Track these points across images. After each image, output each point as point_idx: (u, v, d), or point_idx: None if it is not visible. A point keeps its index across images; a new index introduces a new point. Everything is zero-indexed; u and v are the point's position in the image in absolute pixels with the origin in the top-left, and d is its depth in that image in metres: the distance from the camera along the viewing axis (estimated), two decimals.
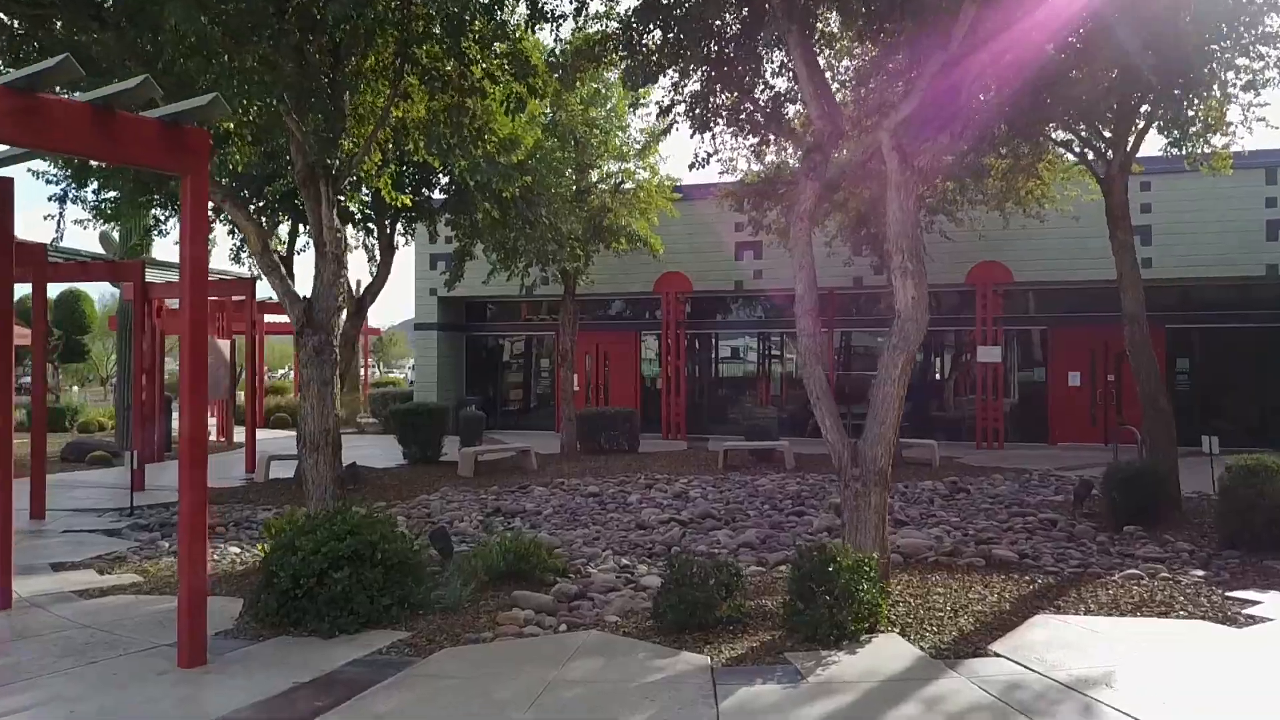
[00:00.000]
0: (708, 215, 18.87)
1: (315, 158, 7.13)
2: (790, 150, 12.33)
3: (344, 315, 7.52)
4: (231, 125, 7.30)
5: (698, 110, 7.27)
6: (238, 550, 8.70)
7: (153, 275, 15.12)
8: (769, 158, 13.78)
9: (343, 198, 8.44)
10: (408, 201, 7.88)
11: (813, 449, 16.99)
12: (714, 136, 8.10)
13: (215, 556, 8.53)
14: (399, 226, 13.15)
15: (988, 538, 8.87)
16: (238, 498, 12.18)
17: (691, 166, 7.69)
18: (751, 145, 8.08)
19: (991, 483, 12.83)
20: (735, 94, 7.28)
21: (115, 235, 16.18)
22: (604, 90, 15.50)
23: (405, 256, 74.65)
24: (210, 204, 7.07)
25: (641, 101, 10.04)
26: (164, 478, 13.98)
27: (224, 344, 17.35)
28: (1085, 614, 6.28)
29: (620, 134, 15.52)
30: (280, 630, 6.08)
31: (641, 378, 20.88)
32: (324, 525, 6.36)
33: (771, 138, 8.13)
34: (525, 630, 6.07)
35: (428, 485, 13.27)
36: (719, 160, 9.65)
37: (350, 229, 14.22)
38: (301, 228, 12.84)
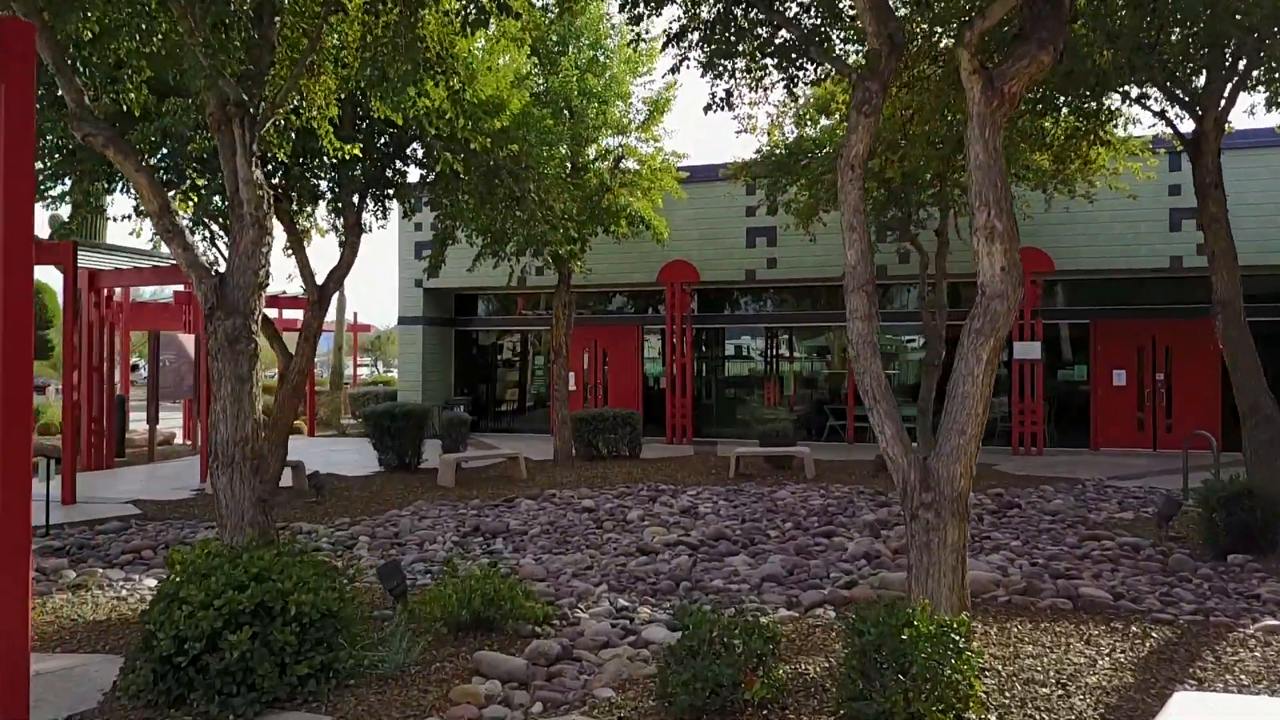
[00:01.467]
0: (717, 199, 17.31)
1: (232, 95, 5.58)
2: (810, 107, 10.81)
3: (272, 296, 5.86)
4: (123, 54, 5.76)
5: (717, 33, 5.70)
6: (154, 585, 7.14)
7: (97, 260, 13.57)
8: (787, 126, 12.23)
9: (271, 154, 6.85)
10: (356, 152, 6.37)
11: (833, 455, 15.44)
12: (733, 74, 6.52)
13: (123, 593, 6.98)
14: (368, 204, 11.57)
15: (1064, 569, 7.29)
16: (180, 512, 10.63)
17: (707, 109, 6.14)
18: (781, 79, 6.47)
19: (1043, 495, 11.24)
20: (764, 11, 5.70)
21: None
22: (603, 59, 13.95)
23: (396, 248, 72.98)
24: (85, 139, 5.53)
25: (642, 40, 8.43)
26: (110, 487, 12.44)
27: (188, 339, 15.81)
28: (1237, 689, 4.71)
29: (620, 104, 13.94)
30: (157, 712, 4.52)
31: (644, 377, 19.31)
32: (221, 568, 4.80)
33: (805, 74, 6.53)
34: (485, 714, 4.50)
35: (402, 497, 11.72)
36: (738, 117, 8.08)
37: (322, 209, 12.68)
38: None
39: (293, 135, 6.41)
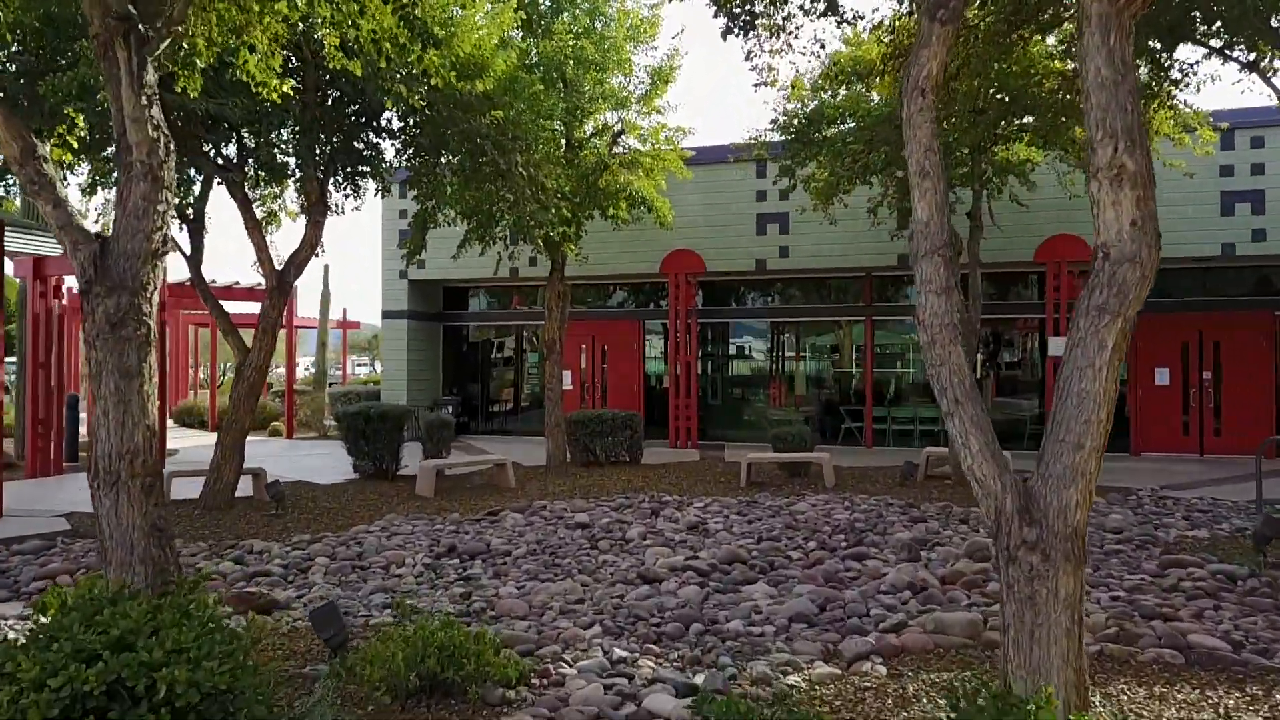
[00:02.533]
0: (725, 182, 16.03)
1: (115, 4, 4.33)
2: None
3: (161, 269, 4.65)
4: None
5: None
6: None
7: (45, 245, 12.28)
8: (804, 94, 10.93)
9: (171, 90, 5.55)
10: (288, 90, 5.11)
11: (853, 460, 14.14)
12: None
13: (11, 636, 5.69)
14: (336, 179, 10.30)
15: (1156, 607, 5.99)
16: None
17: (725, 34, 4.88)
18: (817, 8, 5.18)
19: (1096, 509, 9.95)
20: None
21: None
22: (599, 27, 12.66)
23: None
24: None
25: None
26: (51, 497, 11.16)
27: None
28: None
29: (620, 76, 12.64)
30: None
31: (645, 375, 18.02)
32: (71, 629, 3.52)
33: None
34: None
35: (374, 509, 10.45)
36: (757, 68, 6.78)
37: (289, 191, 11.44)
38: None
39: (200, 65, 5.13)
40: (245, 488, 10.80)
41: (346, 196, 11.00)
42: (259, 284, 19.29)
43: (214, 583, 6.88)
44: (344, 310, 32.28)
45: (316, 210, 9.86)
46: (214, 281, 18.68)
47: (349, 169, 10.21)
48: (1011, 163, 12.40)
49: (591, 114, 12.54)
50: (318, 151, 9.28)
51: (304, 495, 11.32)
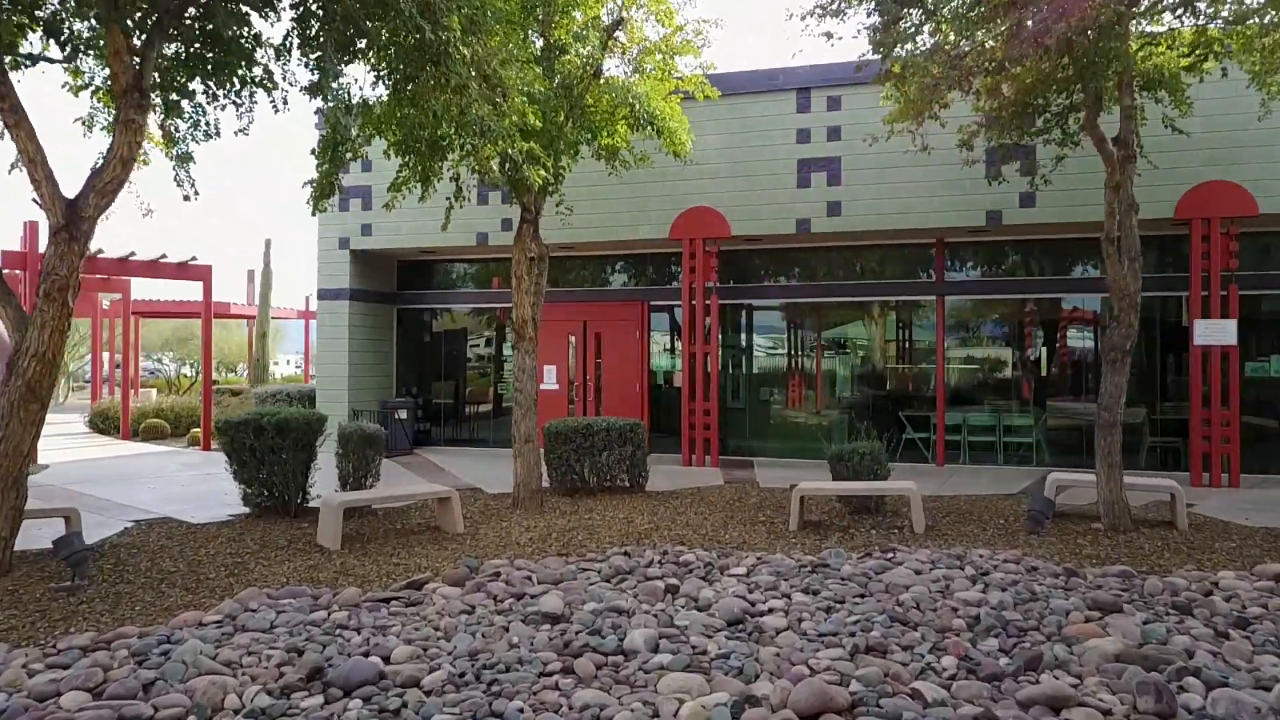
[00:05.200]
0: (756, 119, 12.33)
1: None
2: None
3: None
4: None
5: None
6: None
7: None
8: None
9: None
10: None
11: (927, 485, 10.43)
12: None
13: None
14: (168, 49, 6.61)
15: None
16: None
17: None
18: None
19: None
20: None
21: None
22: None
23: None
24: None
25: None
26: None
27: None
28: None
29: None
30: None
31: (650, 373, 14.32)
32: None
33: None
34: None
35: (238, 572, 6.80)
36: None
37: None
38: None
39: None
40: (30, 537, 7.13)
41: (205, 94, 7.35)
42: (193, 259, 15.64)
43: None
44: (306, 299, 28.58)
45: (130, 102, 6.16)
46: (133, 254, 15.02)
47: (196, 41, 6.51)
48: (1163, 72, 8.75)
49: (578, 2, 8.82)
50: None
51: (148, 545, 7.66)
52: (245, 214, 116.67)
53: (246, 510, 9.05)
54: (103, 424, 18.36)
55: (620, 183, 11.81)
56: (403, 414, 14.25)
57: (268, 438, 8.71)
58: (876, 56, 7.97)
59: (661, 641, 5.02)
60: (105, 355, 24.32)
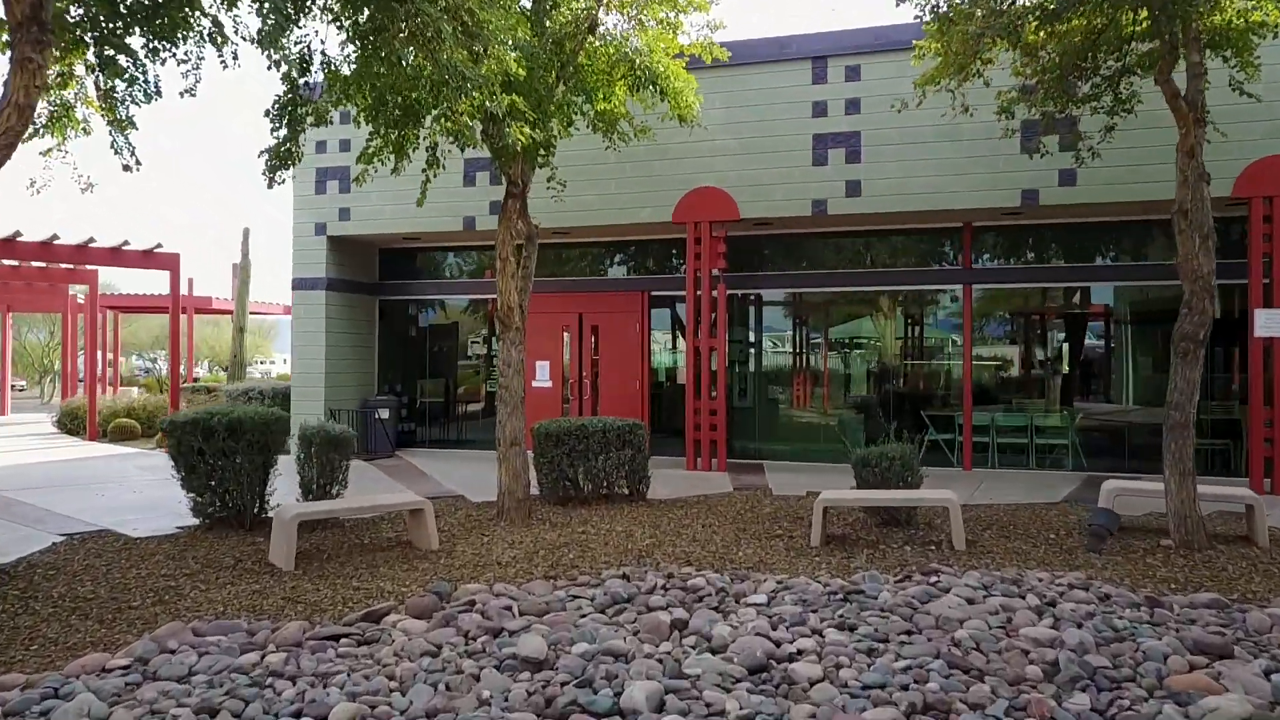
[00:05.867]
0: (766, 90, 11.29)
1: None
2: None
3: None
4: None
5: None
6: None
7: None
8: None
9: None
10: None
11: (957, 490, 9.42)
12: None
13: None
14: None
15: None
16: None
17: None
18: None
19: None
20: None
21: None
22: None
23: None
24: None
25: None
26: None
27: None
28: None
29: None
30: None
31: (651, 369, 13.29)
32: None
33: None
34: None
35: (167, 598, 5.78)
36: None
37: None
38: None
39: None
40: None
41: (145, 49, 6.33)
42: (158, 246, 14.63)
43: None
44: None
45: (26, 37, 5.13)
46: (92, 240, 14.00)
47: None
48: (1230, 27, 7.72)
49: None
50: None
51: (71, 566, 6.63)
52: (235, 204, 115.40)
53: (196, 522, 8.02)
54: (71, 424, 17.35)
55: (619, 160, 10.80)
56: (385, 414, 13.22)
57: (218, 439, 7.67)
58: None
59: (668, 698, 4.00)
60: (87, 353, 23.30)
